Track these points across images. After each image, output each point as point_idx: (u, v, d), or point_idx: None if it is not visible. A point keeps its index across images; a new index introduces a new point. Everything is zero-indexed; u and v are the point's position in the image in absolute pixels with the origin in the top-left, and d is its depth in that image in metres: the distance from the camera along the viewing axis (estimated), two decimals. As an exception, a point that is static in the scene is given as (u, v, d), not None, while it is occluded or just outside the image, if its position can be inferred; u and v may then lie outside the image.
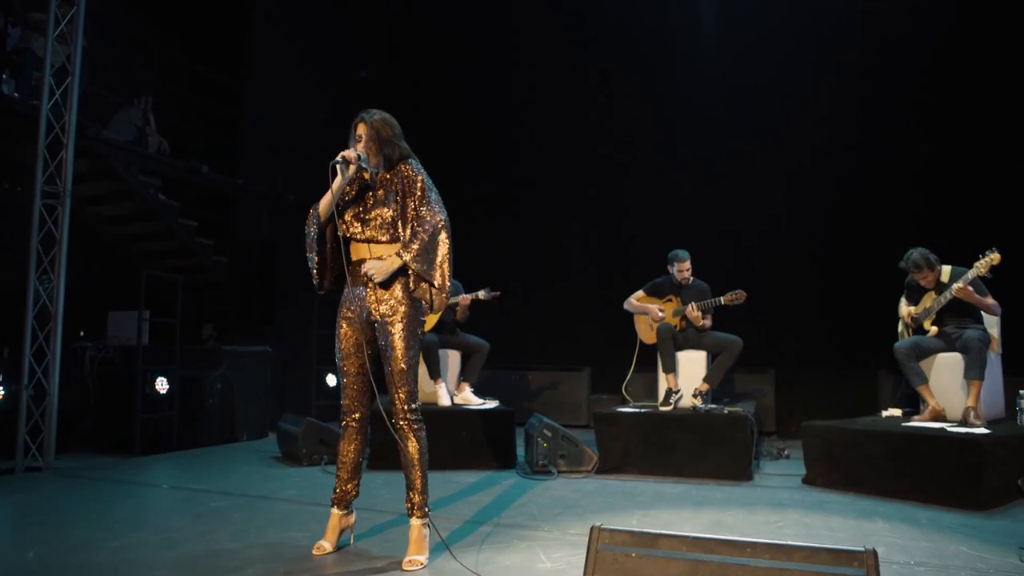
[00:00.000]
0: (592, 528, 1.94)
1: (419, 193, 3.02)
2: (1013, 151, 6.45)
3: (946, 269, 4.72)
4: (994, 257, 4.39)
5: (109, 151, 6.60)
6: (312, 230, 3.08)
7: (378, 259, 3.01)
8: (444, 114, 8.14)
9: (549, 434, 5.03)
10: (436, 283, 3.00)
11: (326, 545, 3.07)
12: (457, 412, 5.32)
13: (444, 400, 5.42)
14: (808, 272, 7.03)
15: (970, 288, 4.45)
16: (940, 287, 4.70)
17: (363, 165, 3.02)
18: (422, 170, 3.09)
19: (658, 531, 1.86)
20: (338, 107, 7.83)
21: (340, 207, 3.09)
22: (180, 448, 5.89)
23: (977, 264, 4.44)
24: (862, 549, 1.70)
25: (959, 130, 6.69)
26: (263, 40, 7.66)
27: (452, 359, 5.72)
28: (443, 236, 3.02)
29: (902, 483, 4.07)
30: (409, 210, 3.02)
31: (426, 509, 2.99)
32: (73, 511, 3.81)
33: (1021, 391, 4.53)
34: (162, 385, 5.90)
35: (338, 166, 2.98)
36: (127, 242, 7.41)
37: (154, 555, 3.02)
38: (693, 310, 5.27)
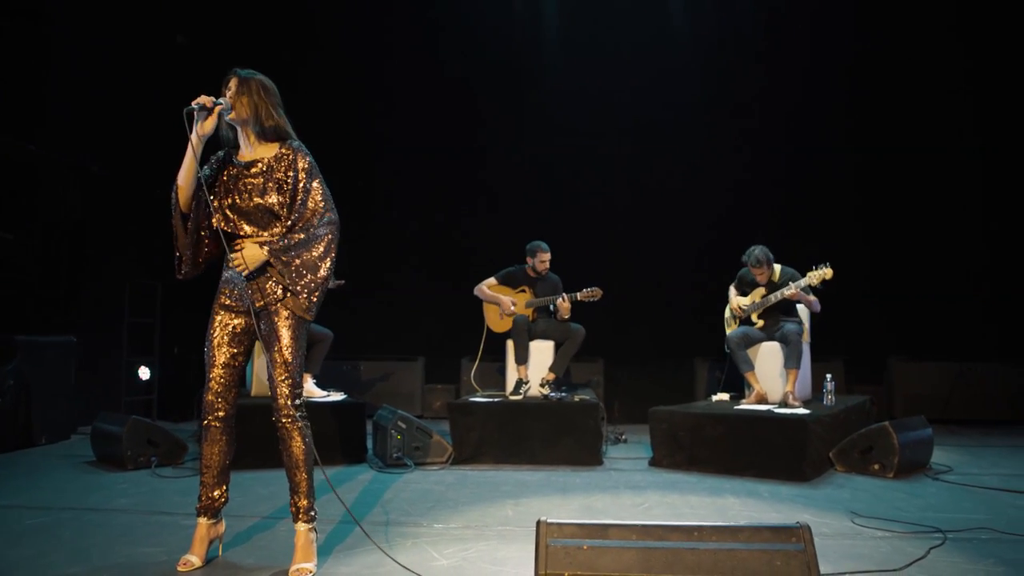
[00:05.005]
0: (539, 522, 1.91)
1: (300, 183, 2.74)
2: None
3: (777, 268, 5.24)
4: (827, 272, 4.93)
5: None
6: (174, 198, 2.73)
7: (239, 250, 2.72)
8: (281, 93, 7.57)
9: (404, 426, 4.92)
10: (295, 287, 2.68)
11: (193, 560, 2.75)
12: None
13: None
14: (631, 266, 7.48)
15: (800, 291, 5.00)
16: (770, 284, 5.21)
17: (224, 113, 2.71)
18: (302, 150, 2.81)
19: (606, 521, 1.88)
20: (153, 75, 7.00)
21: (215, 197, 2.77)
22: (-38, 457, 5.02)
23: (811, 274, 4.98)
24: (797, 525, 1.84)
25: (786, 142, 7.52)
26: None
27: (294, 350, 5.38)
28: (324, 237, 2.74)
29: (739, 461, 4.49)
30: (292, 200, 2.74)
31: (312, 513, 2.78)
32: None
33: (828, 375, 5.17)
34: (-65, 383, 4.98)
35: (195, 112, 2.64)
36: None
37: (-25, 588, 2.54)
38: (565, 301, 5.39)
